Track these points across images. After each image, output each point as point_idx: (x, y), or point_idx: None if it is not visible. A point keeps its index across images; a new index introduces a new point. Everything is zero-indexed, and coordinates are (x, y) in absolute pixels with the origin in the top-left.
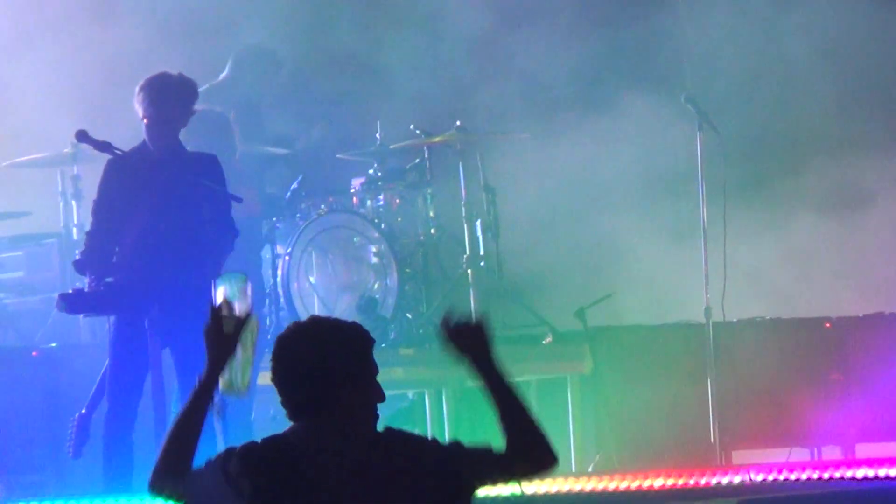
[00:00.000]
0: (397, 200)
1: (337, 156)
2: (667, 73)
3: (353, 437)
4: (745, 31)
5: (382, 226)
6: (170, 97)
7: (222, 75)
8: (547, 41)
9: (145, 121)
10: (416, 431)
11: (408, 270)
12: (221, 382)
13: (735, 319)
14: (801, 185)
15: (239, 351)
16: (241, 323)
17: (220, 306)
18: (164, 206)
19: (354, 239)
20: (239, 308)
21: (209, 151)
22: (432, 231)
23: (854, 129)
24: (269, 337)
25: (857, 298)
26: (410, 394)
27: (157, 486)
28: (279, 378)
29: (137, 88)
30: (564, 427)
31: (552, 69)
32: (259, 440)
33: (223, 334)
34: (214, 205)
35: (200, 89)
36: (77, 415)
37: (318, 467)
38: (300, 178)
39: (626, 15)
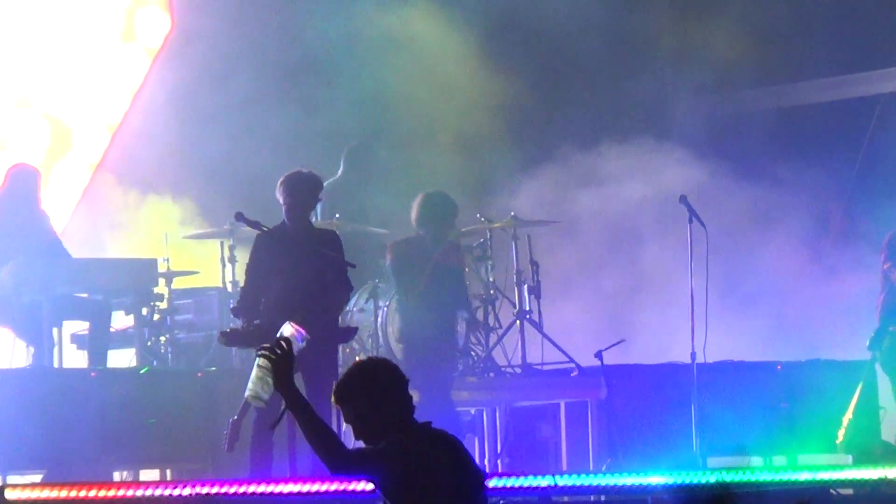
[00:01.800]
0: (467, 269)
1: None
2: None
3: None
4: None
5: None
6: (302, 189)
7: (339, 172)
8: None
9: (284, 206)
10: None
11: (473, 321)
12: (248, 394)
13: (712, 361)
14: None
15: (262, 371)
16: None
17: (286, 339)
18: (298, 269)
19: None
20: (293, 344)
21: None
22: (492, 292)
23: None
24: None
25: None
26: (472, 410)
27: (337, 470)
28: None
29: (279, 182)
30: (585, 438)
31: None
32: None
33: (287, 360)
34: (335, 269)
35: (326, 182)
36: (231, 420)
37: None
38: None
39: None
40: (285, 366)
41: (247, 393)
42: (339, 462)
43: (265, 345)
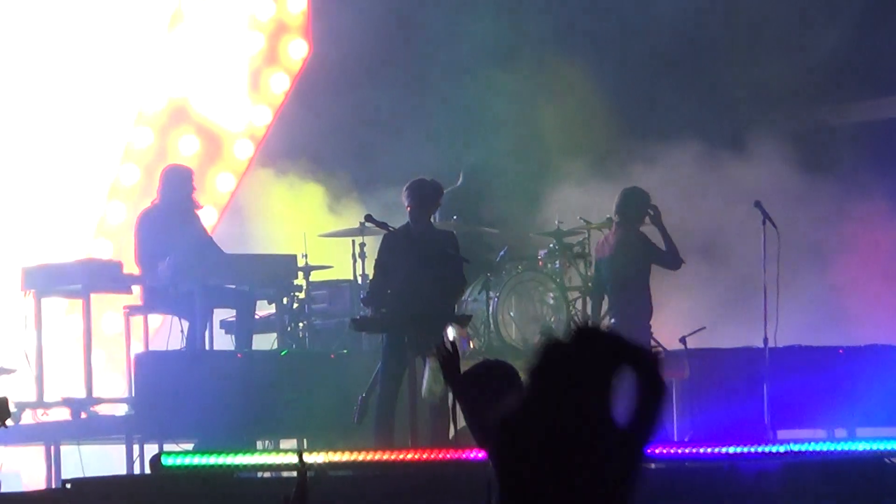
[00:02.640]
0: (567, 264)
1: (530, 234)
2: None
3: None
4: None
5: (558, 280)
6: (425, 195)
7: (459, 182)
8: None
9: (409, 209)
10: None
11: (572, 309)
12: (424, 391)
13: (782, 346)
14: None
15: (434, 370)
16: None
17: (453, 342)
18: (420, 264)
19: (540, 288)
20: (458, 345)
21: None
22: (589, 284)
23: None
24: (483, 350)
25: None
26: None
27: None
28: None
29: (404, 188)
30: (670, 413)
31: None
32: None
33: (454, 359)
34: (452, 264)
35: (447, 189)
36: (360, 396)
37: None
38: (506, 248)
39: None
40: (454, 364)
41: (423, 390)
42: None
43: (437, 346)
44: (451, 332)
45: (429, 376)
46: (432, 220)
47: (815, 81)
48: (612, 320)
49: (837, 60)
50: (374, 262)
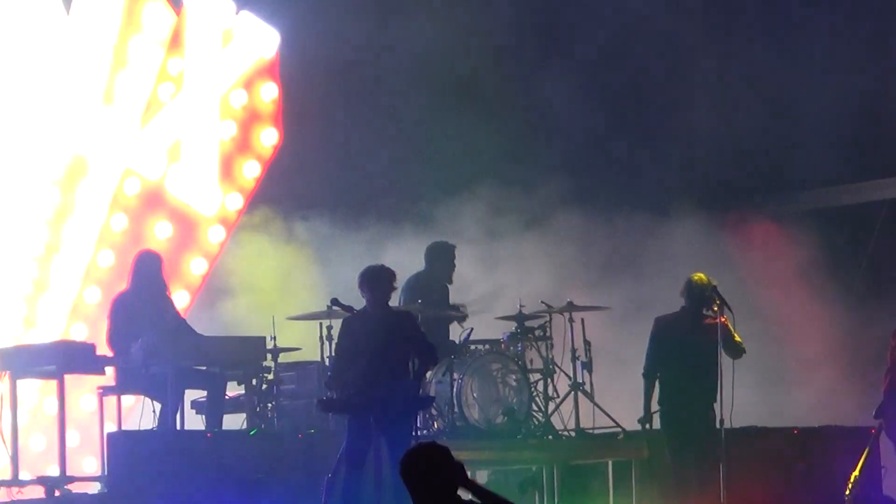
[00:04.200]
0: (530, 347)
1: (494, 318)
2: None
3: None
4: None
5: (520, 363)
6: (378, 281)
7: (424, 266)
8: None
9: (365, 297)
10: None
11: (534, 391)
12: None
13: (738, 426)
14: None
15: None
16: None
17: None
18: (381, 346)
19: (502, 371)
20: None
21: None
22: (551, 367)
23: None
24: (447, 431)
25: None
26: (534, 468)
27: None
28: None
29: (358, 276)
30: (629, 493)
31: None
32: None
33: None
34: (415, 343)
35: (411, 274)
36: (326, 477)
37: None
38: (470, 330)
39: None
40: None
41: None
42: None
43: None
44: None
45: None
46: (397, 303)
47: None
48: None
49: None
50: (336, 346)
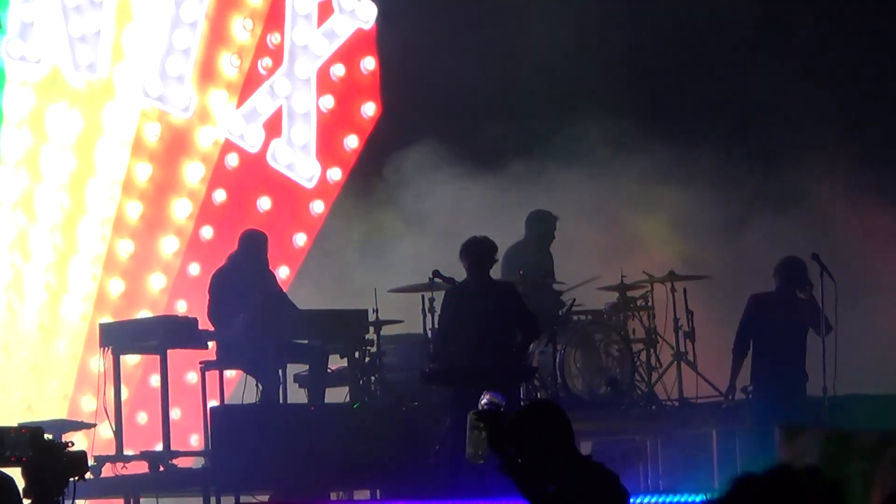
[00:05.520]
0: (632, 317)
1: (596, 288)
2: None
3: None
4: None
5: (622, 333)
6: (480, 254)
7: (524, 235)
8: None
9: (465, 267)
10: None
11: (636, 361)
12: (468, 453)
13: (841, 394)
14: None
15: (476, 432)
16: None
17: (491, 404)
18: (484, 319)
19: (605, 341)
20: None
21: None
22: (653, 336)
23: None
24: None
25: None
26: (637, 438)
27: None
28: None
29: (460, 248)
30: (734, 459)
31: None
32: None
33: (496, 420)
34: (517, 314)
35: (513, 243)
36: (435, 447)
37: None
38: (572, 301)
39: None
40: (497, 425)
41: (467, 452)
42: None
43: (476, 411)
44: (484, 397)
45: (470, 438)
46: (499, 275)
47: None
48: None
49: None
50: (438, 317)
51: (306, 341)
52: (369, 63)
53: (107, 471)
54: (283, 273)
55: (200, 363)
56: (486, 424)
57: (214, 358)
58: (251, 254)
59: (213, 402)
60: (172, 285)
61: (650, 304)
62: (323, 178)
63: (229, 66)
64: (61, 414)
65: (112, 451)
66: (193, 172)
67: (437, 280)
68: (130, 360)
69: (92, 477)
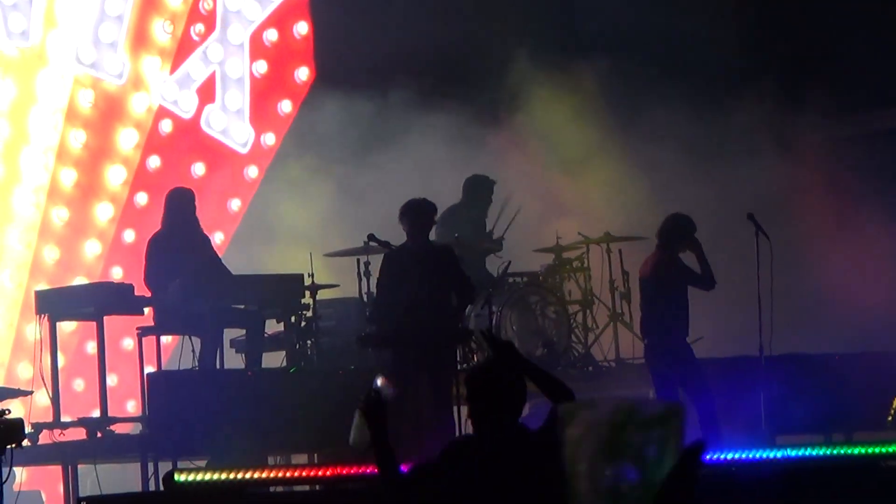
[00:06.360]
0: (568, 279)
1: (532, 250)
2: None
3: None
4: None
5: (558, 294)
6: (420, 215)
7: (460, 198)
8: None
9: (406, 230)
10: None
11: (573, 322)
12: (351, 439)
13: (777, 354)
14: None
15: (362, 419)
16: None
17: (377, 390)
18: (422, 281)
19: (541, 303)
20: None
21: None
22: (589, 298)
23: None
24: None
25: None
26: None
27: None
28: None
29: (399, 209)
30: None
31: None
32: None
33: (379, 408)
34: (454, 277)
35: (449, 206)
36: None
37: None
38: (508, 263)
39: None
40: (377, 413)
41: (350, 439)
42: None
43: (361, 397)
44: (378, 381)
45: (355, 423)
46: (434, 237)
47: None
48: (646, 339)
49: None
50: (377, 281)
51: (242, 306)
52: (302, 28)
53: (44, 438)
54: (218, 238)
55: (137, 329)
56: (370, 410)
57: (151, 324)
58: (180, 213)
59: (150, 368)
60: (108, 252)
61: (586, 265)
62: (257, 142)
63: (162, 32)
64: None
65: (49, 418)
66: (127, 139)
67: (372, 244)
68: (67, 327)
69: (29, 444)
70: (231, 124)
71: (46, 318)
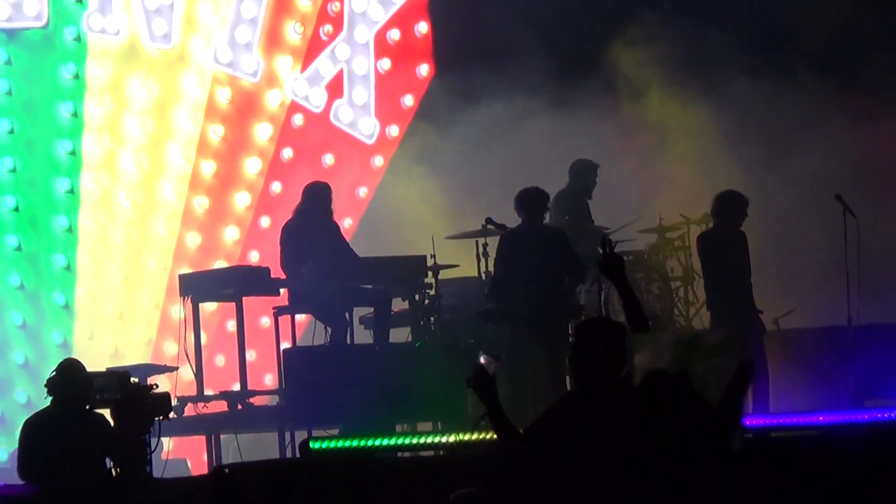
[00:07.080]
0: (670, 257)
1: (637, 231)
2: None
3: None
4: None
5: (661, 271)
6: (533, 204)
7: (567, 183)
8: None
9: (523, 216)
10: None
11: (675, 297)
12: (470, 413)
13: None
14: None
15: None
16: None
17: (483, 367)
18: (536, 262)
19: (645, 279)
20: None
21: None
22: (690, 274)
23: None
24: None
25: None
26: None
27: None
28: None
29: (515, 198)
30: (766, 389)
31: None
32: None
33: (487, 384)
34: (566, 258)
35: (557, 192)
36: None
37: None
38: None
39: None
40: (487, 387)
41: (469, 413)
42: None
43: (468, 377)
44: (481, 358)
45: (472, 399)
46: (546, 219)
47: None
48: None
49: None
50: (494, 261)
51: (370, 286)
52: (422, 27)
53: (189, 410)
54: (346, 223)
55: (273, 308)
56: (479, 386)
57: (286, 304)
58: (316, 205)
59: (285, 345)
60: (245, 237)
61: (687, 244)
62: (382, 134)
63: (293, 33)
64: (145, 359)
65: (193, 392)
66: (262, 132)
67: (489, 227)
68: (208, 308)
69: (175, 416)
70: (358, 117)
71: (190, 299)
